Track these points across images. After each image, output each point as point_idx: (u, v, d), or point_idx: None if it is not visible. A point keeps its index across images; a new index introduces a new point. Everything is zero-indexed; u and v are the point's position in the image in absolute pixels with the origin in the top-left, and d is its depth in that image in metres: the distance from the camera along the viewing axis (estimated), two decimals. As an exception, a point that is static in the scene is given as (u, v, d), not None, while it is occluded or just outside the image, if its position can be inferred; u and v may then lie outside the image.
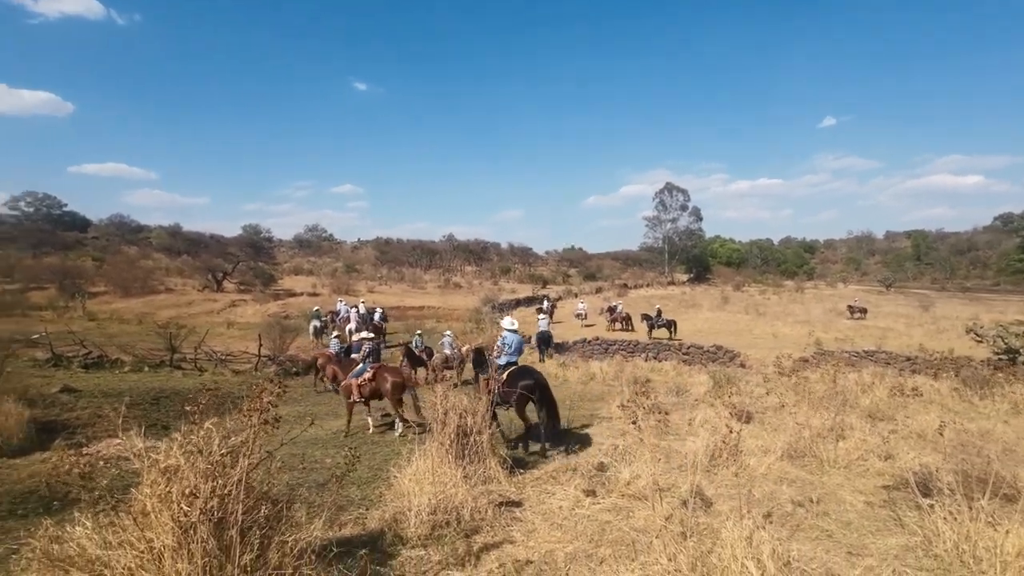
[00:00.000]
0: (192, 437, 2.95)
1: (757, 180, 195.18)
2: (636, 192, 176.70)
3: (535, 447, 7.27)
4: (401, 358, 14.87)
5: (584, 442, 7.85)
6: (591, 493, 5.24)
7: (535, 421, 7.58)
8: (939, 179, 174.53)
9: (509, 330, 8.38)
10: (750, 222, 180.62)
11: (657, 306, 26.54)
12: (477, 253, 72.88)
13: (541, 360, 17.89)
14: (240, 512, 2.78)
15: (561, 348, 19.25)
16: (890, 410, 9.43)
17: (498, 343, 8.36)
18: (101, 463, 2.90)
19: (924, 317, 33.47)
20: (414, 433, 8.31)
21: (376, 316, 23.74)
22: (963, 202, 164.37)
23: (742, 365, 16.76)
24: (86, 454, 2.91)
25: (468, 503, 4.51)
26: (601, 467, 6.02)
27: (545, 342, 18.62)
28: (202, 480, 2.76)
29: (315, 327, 21.00)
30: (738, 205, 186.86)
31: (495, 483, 5.48)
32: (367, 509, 5.01)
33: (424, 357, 14.83)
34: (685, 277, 70.53)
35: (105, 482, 2.90)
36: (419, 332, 16.52)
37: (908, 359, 15.43)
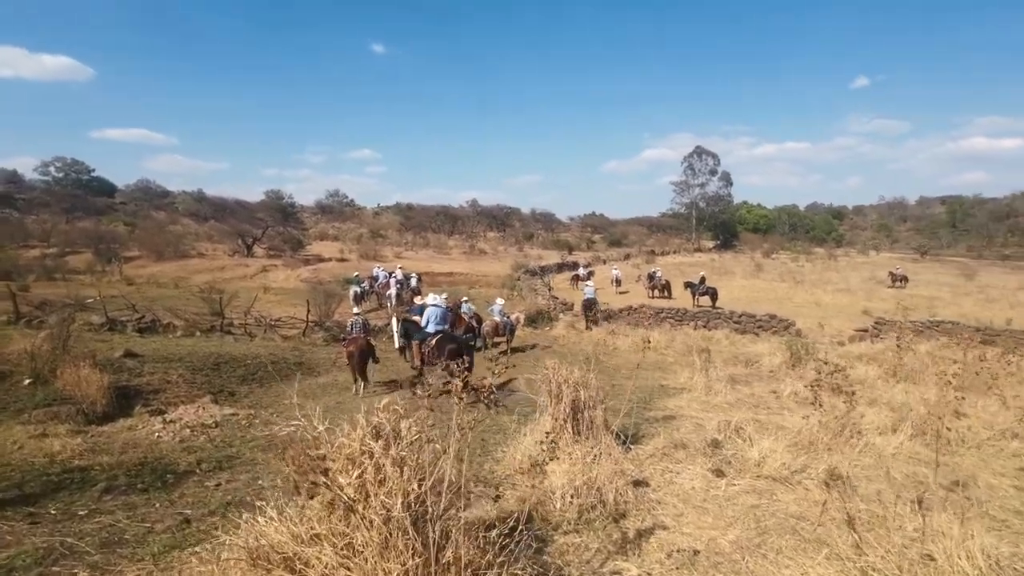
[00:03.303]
0: (373, 419, 2.64)
1: (784, 144, 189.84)
2: (658, 156, 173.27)
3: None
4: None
5: (672, 415, 7.57)
6: (720, 474, 4.93)
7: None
8: (977, 142, 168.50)
9: (432, 305, 9.85)
10: (776, 188, 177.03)
11: (701, 273, 25.89)
12: (500, 219, 72.11)
13: (587, 328, 17.55)
14: (441, 505, 2.49)
15: (607, 316, 18.87)
16: (979, 384, 8.96)
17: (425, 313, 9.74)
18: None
19: (969, 286, 32.41)
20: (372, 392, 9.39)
21: (413, 281, 23.73)
22: (1002, 166, 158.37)
23: (798, 334, 16.26)
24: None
25: (610, 485, 4.23)
26: (716, 444, 5.71)
27: (589, 308, 18.25)
28: (396, 470, 2.47)
29: (355, 292, 20.82)
30: (764, 170, 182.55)
31: (612, 461, 5.19)
32: (485, 486, 4.76)
33: (474, 324, 14.53)
34: (711, 244, 69.21)
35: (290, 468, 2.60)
36: (466, 299, 16.20)
37: (978, 329, 14.80)
